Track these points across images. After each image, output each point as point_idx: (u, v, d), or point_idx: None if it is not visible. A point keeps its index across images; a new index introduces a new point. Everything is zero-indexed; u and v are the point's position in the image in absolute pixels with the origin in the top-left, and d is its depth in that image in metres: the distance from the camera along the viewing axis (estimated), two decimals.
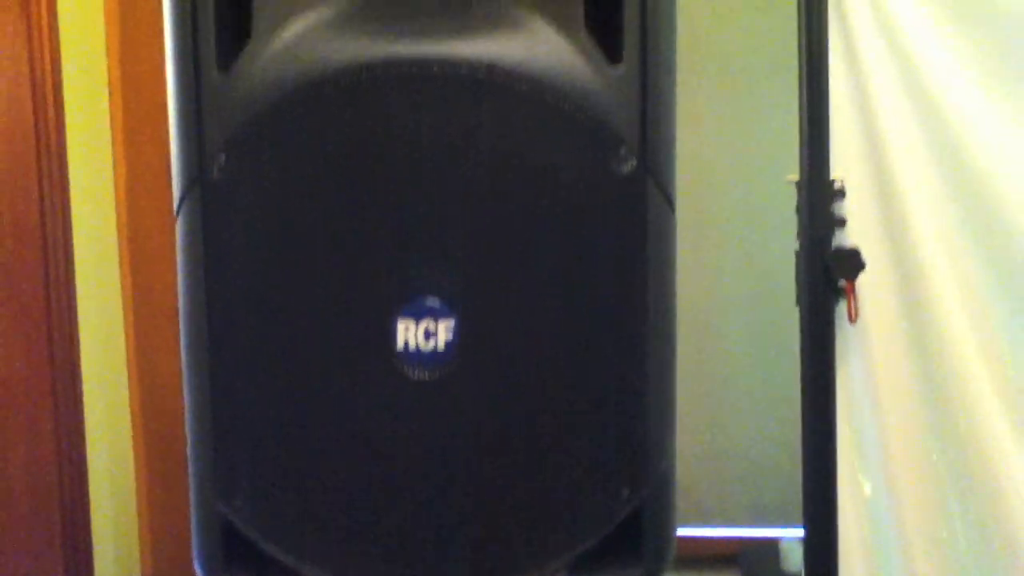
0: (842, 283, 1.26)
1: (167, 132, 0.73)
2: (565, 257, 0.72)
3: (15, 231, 1.93)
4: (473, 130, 0.70)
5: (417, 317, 0.72)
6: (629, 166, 0.71)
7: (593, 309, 0.72)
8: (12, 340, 1.91)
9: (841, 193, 1.29)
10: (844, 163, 1.30)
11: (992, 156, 1.26)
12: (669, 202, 0.73)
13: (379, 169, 0.71)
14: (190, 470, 0.74)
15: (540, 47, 0.71)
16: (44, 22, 1.93)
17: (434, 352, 0.72)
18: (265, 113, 0.70)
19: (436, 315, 0.72)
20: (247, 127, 0.70)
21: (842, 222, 1.28)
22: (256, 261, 0.73)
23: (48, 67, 1.91)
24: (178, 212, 0.74)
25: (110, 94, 2.20)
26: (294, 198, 0.72)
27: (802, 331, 1.33)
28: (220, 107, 0.70)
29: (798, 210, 1.29)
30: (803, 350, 1.34)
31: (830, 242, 1.27)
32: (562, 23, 0.71)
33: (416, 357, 0.72)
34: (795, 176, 1.31)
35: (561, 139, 0.71)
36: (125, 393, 2.16)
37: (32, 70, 1.92)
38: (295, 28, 0.71)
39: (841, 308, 1.31)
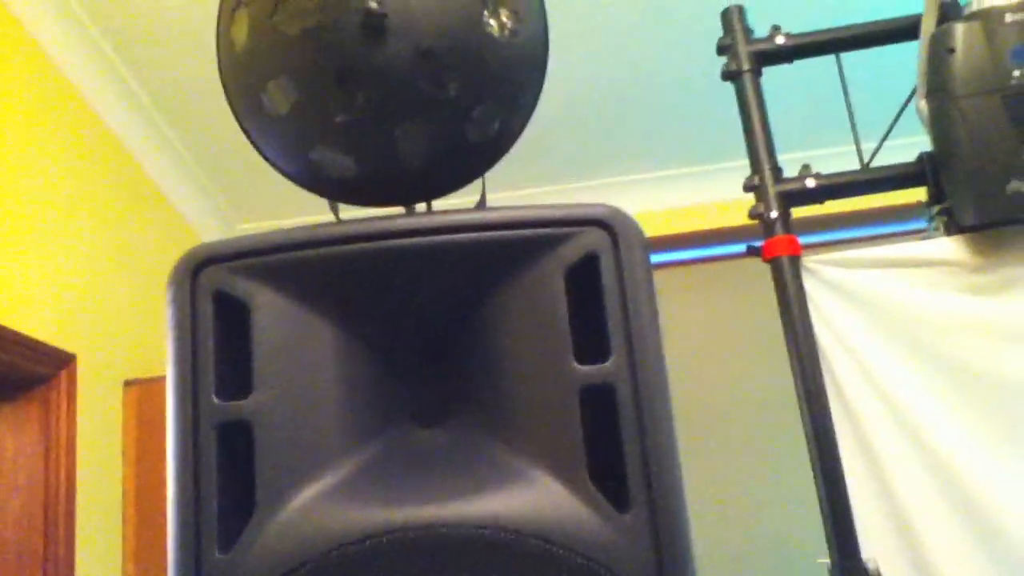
0: None
1: None
2: None
3: None
4: None
5: None
6: None
7: None
8: None
9: (877, 575, 1.22)
10: (873, 540, 1.25)
11: (1015, 519, 1.22)
12: None
13: None
14: None
15: (546, 500, 0.70)
16: (63, 441, 1.97)
17: None
18: None
19: None
20: None
21: None
22: None
23: (63, 489, 1.93)
24: None
25: (124, 516, 2.21)
26: None
27: None
28: None
29: None
30: None
31: None
32: (566, 474, 0.71)
33: None
34: (826, 559, 1.25)
35: None
36: None
37: (47, 489, 1.93)
38: (298, 500, 0.70)
39: None
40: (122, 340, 2.36)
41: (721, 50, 1.46)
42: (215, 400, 0.72)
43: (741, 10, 1.47)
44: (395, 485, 0.72)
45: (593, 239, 0.75)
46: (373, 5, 0.69)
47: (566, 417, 0.72)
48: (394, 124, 0.71)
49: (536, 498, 0.70)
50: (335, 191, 0.75)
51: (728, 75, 1.45)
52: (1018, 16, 1.19)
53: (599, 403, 0.72)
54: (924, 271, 1.33)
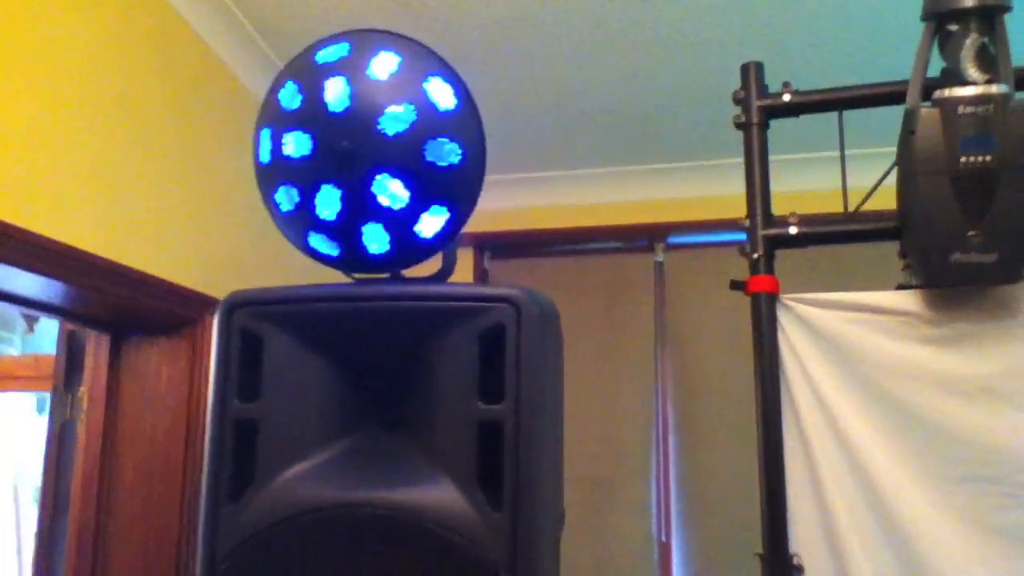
0: None
1: None
2: None
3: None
4: (392, 556, 0.99)
5: None
6: None
7: None
8: None
9: (799, 569, 1.46)
10: (803, 540, 1.48)
11: (937, 548, 1.42)
12: None
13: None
14: None
15: (444, 497, 1.00)
16: (204, 371, 2.43)
17: None
18: (256, 535, 1.02)
19: None
20: (243, 544, 1.02)
21: None
22: None
23: (201, 409, 2.39)
24: None
25: None
26: None
27: None
28: (228, 527, 1.03)
29: None
30: None
31: None
32: (462, 481, 1.01)
33: None
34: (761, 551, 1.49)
35: (455, 566, 0.98)
36: None
37: (189, 409, 2.41)
38: (283, 477, 1.04)
39: None
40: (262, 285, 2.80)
41: (737, 101, 1.65)
42: (236, 403, 1.06)
43: (759, 66, 1.65)
44: (347, 474, 1.04)
45: (503, 313, 1.03)
46: (345, 144, 0.99)
47: (468, 440, 1.01)
48: (361, 224, 1.01)
49: (438, 495, 1.00)
50: (331, 265, 1.06)
51: (739, 125, 1.64)
52: (968, 109, 1.33)
53: (493, 433, 1.01)
54: (885, 318, 1.51)
